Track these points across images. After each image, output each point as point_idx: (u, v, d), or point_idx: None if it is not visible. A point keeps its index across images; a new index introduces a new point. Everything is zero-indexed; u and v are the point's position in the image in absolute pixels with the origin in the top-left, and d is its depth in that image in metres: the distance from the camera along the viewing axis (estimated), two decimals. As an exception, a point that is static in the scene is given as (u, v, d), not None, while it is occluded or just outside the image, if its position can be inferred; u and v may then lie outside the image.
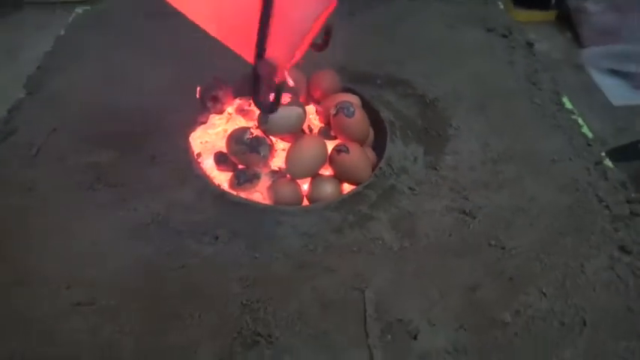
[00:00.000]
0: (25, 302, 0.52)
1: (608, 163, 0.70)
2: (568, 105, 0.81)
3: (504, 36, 0.94)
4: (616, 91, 1.76)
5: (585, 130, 0.76)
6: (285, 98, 0.60)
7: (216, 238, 0.58)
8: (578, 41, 1.97)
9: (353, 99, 0.67)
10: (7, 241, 0.58)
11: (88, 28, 0.96)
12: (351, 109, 0.61)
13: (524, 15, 2.02)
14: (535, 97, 0.80)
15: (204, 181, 0.61)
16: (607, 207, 0.63)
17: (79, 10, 1.02)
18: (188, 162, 0.63)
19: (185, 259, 0.56)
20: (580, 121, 0.78)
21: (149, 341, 0.49)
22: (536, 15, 2.03)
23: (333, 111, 0.62)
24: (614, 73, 1.81)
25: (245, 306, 0.52)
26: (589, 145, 0.73)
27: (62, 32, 0.95)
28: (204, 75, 0.75)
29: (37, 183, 0.65)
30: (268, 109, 0.52)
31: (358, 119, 0.62)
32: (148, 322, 0.51)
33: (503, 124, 0.75)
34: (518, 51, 0.91)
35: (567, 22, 2.04)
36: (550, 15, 2.06)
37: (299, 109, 0.59)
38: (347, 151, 0.59)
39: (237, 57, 0.81)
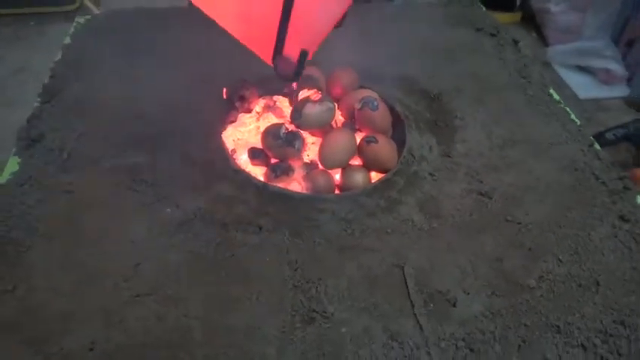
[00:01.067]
0: (94, 297, 0.54)
1: (597, 146, 0.78)
2: (555, 96, 0.89)
3: (493, 35, 1.02)
4: (582, 86, 1.89)
5: (573, 117, 0.84)
6: (317, 94, 0.64)
7: (260, 228, 0.62)
8: (543, 40, 2.11)
9: (373, 94, 0.72)
10: (65, 244, 0.60)
11: (93, 35, 0.98)
12: (375, 103, 0.67)
13: (501, 17, 2.13)
14: (527, 90, 0.88)
15: (244, 174, 0.64)
16: (604, 183, 0.70)
17: (79, 19, 1.04)
18: (225, 158, 0.67)
19: (234, 249, 0.60)
20: (568, 109, 0.86)
21: (215, 322, 0.53)
22: (503, 16, 2.15)
23: (358, 105, 0.67)
24: (580, 68, 1.94)
25: (297, 287, 0.56)
26: (579, 130, 0.81)
27: (68, 41, 0.96)
28: (218, 76, 0.79)
29: (76, 186, 0.67)
30: (291, 78, 0.55)
31: (382, 112, 0.67)
32: (210, 306, 0.54)
33: (503, 114, 0.82)
34: (506, 48, 0.98)
35: (532, 22, 2.17)
36: (515, 16, 2.19)
37: (331, 105, 0.64)
38: (376, 141, 0.65)
39: (244, 56, 0.86)
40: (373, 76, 0.89)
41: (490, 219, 0.65)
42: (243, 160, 0.68)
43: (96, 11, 2.08)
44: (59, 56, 0.92)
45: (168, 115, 0.78)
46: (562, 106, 0.87)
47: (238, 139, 0.68)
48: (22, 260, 0.58)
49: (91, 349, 0.50)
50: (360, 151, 0.66)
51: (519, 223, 0.65)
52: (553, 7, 2.02)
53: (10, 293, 0.55)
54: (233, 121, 0.71)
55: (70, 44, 0.95)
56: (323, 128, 0.66)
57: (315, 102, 0.64)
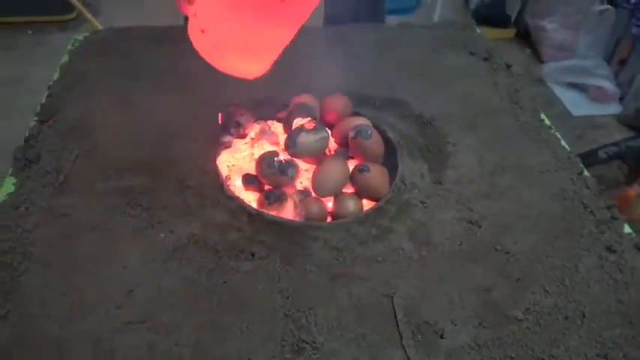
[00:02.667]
0: (87, 324, 0.55)
1: (586, 173, 0.80)
2: (546, 121, 0.90)
3: (485, 59, 1.03)
4: (575, 103, 1.92)
5: (563, 143, 0.86)
6: (311, 123, 0.66)
7: (253, 255, 0.63)
8: (537, 57, 2.13)
9: (365, 122, 0.74)
10: (60, 269, 0.60)
11: (91, 54, 0.99)
12: (369, 132, 0.68)
13: (485, 32, 2.15)
14: (519, 115, 0.89)
15: (238, 201, 0.65)
16: (592, 212, 0.72)
17: (78, 36, 1.05)
18: (219, 184, 0.68)
19: (226, 276, 0.61)
20: (558, 135, 0.87)
21: (206, 351, 0.53)
22: (497, 32, 2.18)
23: (351, 134, 0.69)
24: (573, 86, 1.97)
25: (287, 316, 0.57)
26: (569, 157, 0.82)
27: (66, 59, 0.97)
28: (214, 100, 0.80)
29: (72, 209, 0.68)
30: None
31: (375, 141, 0.69)
32: (201, 334, 0.55)
33: (494, 140, 0.84)
34: (499, 72, 1.00)
35: (526, 39, 2.20)
36: (509, 32, 2.22)
37: (325, 134, 0.65)
38: (369, 170, 0.66)
39: (242, 80, 0.87)
40: (366, 101, 0.90)
41: (479, 248, 0.66)
42: (237, 185, 0.69)
43: (97, 24, 2.09)
44: (56, 75, 0.93)
45: (164, 139, 0.79)
46: (553, 131, 0.88)
47: (233, 164, 0.69)
48: (17, 285, 0.59)
49: (83, 378, 0.51)
50: (352, 179, 0.67)
51: (508, 253, 0.66)
52: (547, 25, 2.05)
53: (2, 319, 0.55)
54: (228, 147, 0.72)
55: (68, 63, 0.96)
56: (317, 156, 0.67)
57: (309, 130, 0.65)
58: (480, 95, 0.94)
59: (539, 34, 2.09)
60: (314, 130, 0.65)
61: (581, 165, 0.81)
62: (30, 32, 2.15)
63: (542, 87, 2.00)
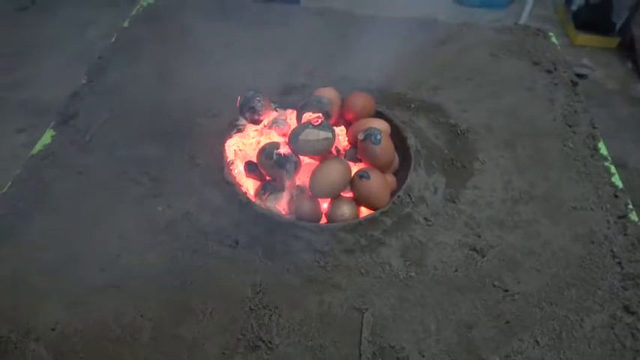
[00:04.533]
0: (70, 280, 0.59)
1: (634, 216, 0.70)
2: (603, 151, 0.80)
3: (549, 71, 0.93)
4: (671, 130, 1.69)
5: (616, 179, 0.75)
6: (318, 119, 0.63)
7: (237, 242, 0.63)
8: (638, 73, 1.89)
9: (382, 125, 0.70)
10: (63, 223, 0.65)
11: (149, 23, 1.03)
12: (378, 137, 0.64)
13: (583, 39, 1.96)
14: (568, 140, 0.80)
15: (233, 188, 0.65)
16: (619, 264, 0.63)
17: (143, 3, 1.09)
18: (221, 167, 0.68)
19: (207, 259, 0.62)
20: (612, 169, 0.77)
21: (166, 328, 0.55)
22: (597, 40, 1.96)
23: (361, 136, 0.66)
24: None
25: (252, 311, 0.57)
26: (616, 196, 0.72)
27: (126, 24, 1.02)
28: (247, 84, 0.80)
29: (88, 168, 0.72)
30: None
31: (384, 147, 0.65)
32: (165, 311, 0.57)
33: (530, 164, 0.76)
34: (560, 88, 0.90)
35: (630, 51, 1.96)
36: (612, 42, 1.99)
37: (328, 134, 0.63)
38: (368, 177, 0.63)
39: (286, 64, 0.86)
40: (402, 102, 0.86)
41: (475, 279, 0.61)
42: (240, 171, 0.69)
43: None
44: (113, 39, 0.98)
45: (191, 114, 0.81)
46: (607, 163, 0.78)
47: (240, 149, 0.69)
48: (21, 231, 0.64)
49: (53, 329, 0.55)
50: (352, 184, 0.64)
51: (506, 291, 0.60)
52: (658, 38, 1.80)
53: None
54: (240, 131, 0.72)
55: (125, 28, 1.01)
56: (318, 155, 0.65)
57: (314, 127, 0.63)
58: (530, 111, 0.85)
59: (646, 47, 1.85)
60: (320, 127, 0.63)
61: (629, 207, 0.71)
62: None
63: (636, 107, 1.77)
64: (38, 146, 0.77)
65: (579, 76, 1.92)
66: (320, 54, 0.95)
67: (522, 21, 1.87)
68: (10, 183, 0.70)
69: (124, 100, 0.83)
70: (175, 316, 0.56)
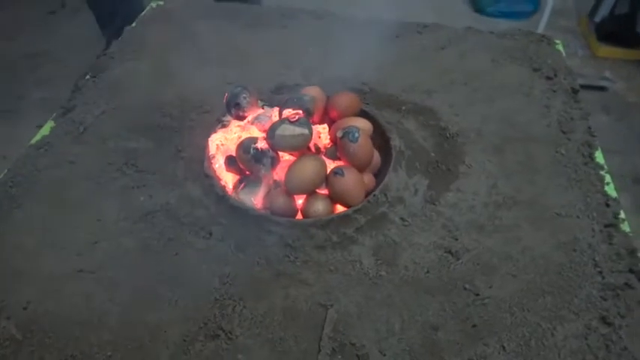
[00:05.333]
0: (47, 263, 0.61)
1: (625, 227, 0.67)
2: (600, 159, 0.78)
3: (549, 78, 0.91)
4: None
5: (610, 189, 0.73)
6: (295, 115, 0.64)
7: (211, 234, 0.64)
8: (663, 86, 1.83)
9: (364, 124, 0.70)
10: (49, 209, 0.67)
11: (155, 23, 1.06)
12: (356, 135, 0.64)
13: (605, 50, 1.91)
14: (561, 147, 0.78)
15: (212, 181, 0.67)
16: (600, 273, 0.61)
17: (153, 4, 1.13)
18: (202, 161, 0.70)
19: (180, 248, 0.63)
20: (607, 178, 0.75)
21: (132, 314, 0.56)
22: (620, 52, 1.91)
23: (339, 134, 0.66)
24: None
25: (217, 301, 0.57)
26: (607, 204, 0.70)
27: (133, 24, 1.06)
28: (242, 82, 0.81)
29: (79, 158, 0.75)
30: None
31: (361, 145, 0.65)
32: (135, 297, 0.58)
33: (518, 169, 0.74)
34: (559, 95, 0.88)
35: (657, 63, 1.90)
36: (636, 54, 1.93)
37: (304, 131, 0.63)
38: (342, 174, 0.63)
39: (281, 64, 0.87)
40: (393, 103, 0.85)
41: (446, 281, 0.60)
42: (220, 165, 0.70)
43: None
44: (119, 37, 1.02)
45: (184, 109, 0.83)
46: (602, 172, 0.75)
47: (222, 144, 0.70)
48: (9, 215, 0.67)
49: (25, 308, 0.57)
50: (327, 181, 0.64)
51: (477, 295, 0.59)
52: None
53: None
54: (225, 126, 0.73)
55: (133, 28, 1.05)
56: (295, 151, 0.66)
57: (291, 123, 0.63)
58: (524, 117, 0.84)
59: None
60: (297, 124, 0.63)
61: (620, 217, 0.69)
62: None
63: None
64: (37, 137, 0.80)
65: (600, 88, 1.87)
66: (318, 55, 0.96)
67: (540, 31, 1.83)
68: (6, 170, 0.74)
69: (121, 95, 0.86)
70: (143, 302, 0.57)
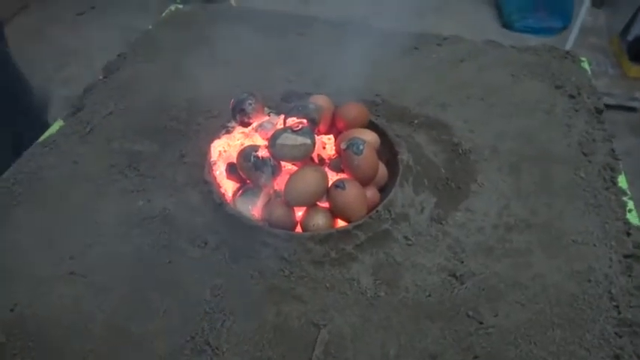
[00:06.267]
0: (39, 264, 0.60)
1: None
2: (623, 184, 0.73)
3: (572, 96, 0.87)
4: None
5: (632, 216, 0.68)
6: (298, 124, 0.62)
7: (206, 243, 0.62)
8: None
9: (370, 137, 0.67)
10: (48, 208, 0.67)
11: (172, 26, 1.06)
12: (360, 147, 0.62)
13: (637, 70, 1.83)
14: (580, 169, 0.74)
15: (211, 188, 0.65)
16: (617, 307, 0.56)
17: (172, 7, 1.13)
18: (203, 166, 0.68)
19: (174, 256, 0.61)
20: (630, 205, 0.70)
21: (118, 322, 0.54)
22: (648, 73, 1.83)
23: (343, 145, 0.63)
24: None
25: (207, 314, 0.55)
26: (628, 233, 0.66)
27: (150, 27, 1.06)
28: (252, 86, 0.80)
29: (83, 158, 0.74)
30: None
31: (366, 158, 0.62)
32: (123, 305, 0.56)
33: (533, 190, 0.70)
34: (581, 115, 0.84)
35: (690, 85, 1.81)
36: (668, 75, 1.85)
37: (307, 141, 0.61)
38: (343, 187, 0.60)
39: (293, 76, 0.86)
40: (405, 115, 0.83)
41: (448, 307, 0.57)
42: (221, 172, 0.68)
43: (232, 2, 2.25)
44: (133, 39, 1.02)
45: (191, 113, 0.82)
46: (625, 198, 0.71)
47: (225, 150, 0.69)
48: (8, 212, 0.66)
49: (12, 310, 0.55)
50: (328, 194, 0.62)
51: (481, 323, 0.55)
52: None
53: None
54: (229, 132, 0.72)
55: (149, 30, 1.05)
56: (297, 162, 0.64)
57: (294, 132, 0.61)
58: (543, 136, 0.80)
59: None
60: (299, 133, 0.61)
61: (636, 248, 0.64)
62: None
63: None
64: (45, 135, 0.80)
65: (629, 109, 1.80)
66: (332, 64, 0.94)
67: (568, 48, 1.78)
68: (11, 168, 0.73)
69: (130, 97, 0.85)
70: (131, 310, 0.56)
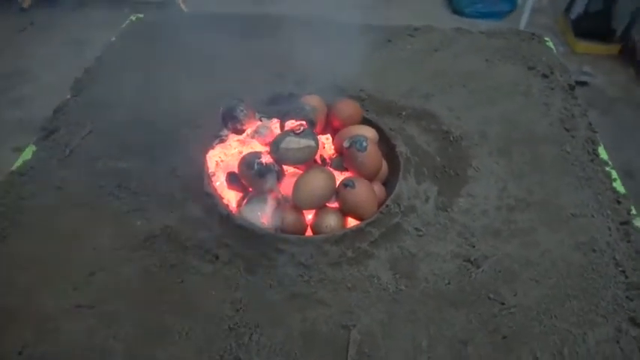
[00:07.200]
0: (41, 300, 0.56)
1: (638, 222, 0.66)
2: (603, 155, 0.77)
3: (545, 76, 0.91)
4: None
5: (618, 185, 0.72)
6: (300, 127, 0.61)
7: (217, 257, 0.60)
8: (641, 78, 1.86)
9: (369, 132, 0.67)
10: (37, 240, 0.63)
11: (136, 37, 1.02)
12: (364, 144, 0.62)
13: (584, 46, 1.93)
14: (566, 145, 0.77)
15: (214, 200, 0.63)
16: (623, 272, 0.59)
17: (132, 17, 1.08)
18: (201, 179, 0.66)
19: (185, 275, 0.59)
20: (614, 174, 0.74)
21: (138, 351, 0.52)
22: (598, 48, 1.94)
23: (346, 144, 0.63)
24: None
25: (232, 330, 0.53)
26: (618, 202, 0.69)
27: (113, 39, 1.01)
28: (233, 94, 0.78)
29: (67, 183, 0.70)
30: None
31: (370, 154, 0.62)
32: (140, 331, 0.53)
33: (526, 170, 0.73)
34: (557, 93, 0.87)
35: (631, 57, 1.93)
36: (613, 49, 1.96)
37: (311, 142, 0.60)
38: (353, 186, 0.60)
39: (271, 79, 0.84)
40: (392, 109, 0.83)
41: (469, 292, 0.58)
42: (222, 182, 0.66)
43: (182, 7, 2.19)
44: (99, 53, 0.97)
45: (174, 125, 0.79)
46: (608, 168, 0.74)
47: (221, 160, 0.67)
48: (-6, 249, 0.61)
49: (20, 353, 0.52)
50: (337, 194, 0.61)
51: (503, 304, 0.56)
52: (659, 43, 1.77)
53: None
54: (223, 142, 0.70)
55: (114, 42, 1.00)
56: (301, 164, 0.63)
57: (296, 135, 0.60)
58: (526, 117, 0.82)
59: (648, 53, 1.82)
60: (302, 135, 0.60)
61: (632, 213, 0.67)
62: (126, 10, 2.30)
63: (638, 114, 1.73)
64: (19, 162, 0.75)
65: (580, 83, 1.89)
66: (309, 63, 0.93)
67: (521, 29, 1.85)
68: (-15, 201, 0.68)
69: (107, 114, 0.81)
70: (150, 336, 0.53)
